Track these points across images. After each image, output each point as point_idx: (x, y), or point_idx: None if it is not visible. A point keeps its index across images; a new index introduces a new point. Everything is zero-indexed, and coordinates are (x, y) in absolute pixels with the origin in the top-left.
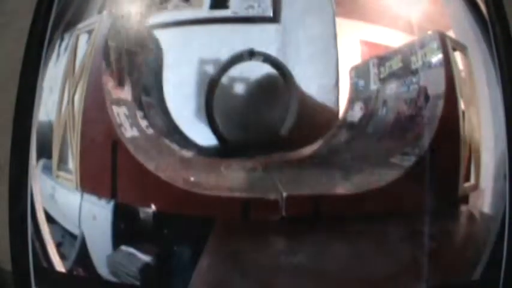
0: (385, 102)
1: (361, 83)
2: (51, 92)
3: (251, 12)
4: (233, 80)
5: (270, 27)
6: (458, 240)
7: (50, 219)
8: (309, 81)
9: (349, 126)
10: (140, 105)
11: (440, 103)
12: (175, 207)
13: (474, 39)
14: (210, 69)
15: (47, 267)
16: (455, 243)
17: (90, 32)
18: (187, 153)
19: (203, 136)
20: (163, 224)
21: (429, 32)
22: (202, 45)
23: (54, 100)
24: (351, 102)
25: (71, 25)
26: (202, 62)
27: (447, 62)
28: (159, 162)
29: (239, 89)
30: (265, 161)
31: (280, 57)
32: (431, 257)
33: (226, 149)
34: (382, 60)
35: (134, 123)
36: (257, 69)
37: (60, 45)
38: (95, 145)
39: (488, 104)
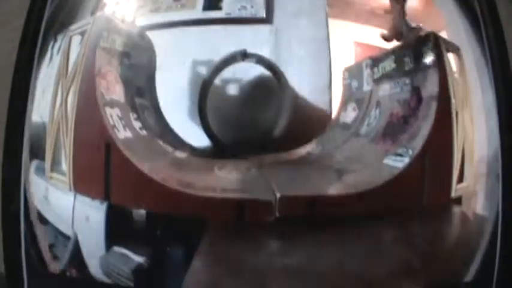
0: (378, 103)
1: (355, 84)
2: (44, 93)
3: (244, 14)
4: (226, 81)
5: (263, 28)
6: (452, 241)
7: (43, 220)
8: (302, 82)
9: (343, 127)
10: (133, 107)
11: (434, 104)
12: (168, 208)
13: (467, 40)
14: (203, 71)
15: (40, 268)
16: (449, 244)
17: (83, 34)
18: (181, 155)
19: (197, 137)
20: (157, 225)
21: (422, 33)
22: (196, 46)
23: (47, 101)
24: (344, 103)
25: (64, 26)
26: (196, 63)
27: (440, 63)
28: (152, 163)
29: (232, 90)
30: (258, 162)
31: (273, 59)
32: (425, 257)
33: (220, 150)
34: (375, 61)
35: (127, 125)
36: (250, 71)
37: (53, 47)
38: (88, 146)
39: (481, 104)
